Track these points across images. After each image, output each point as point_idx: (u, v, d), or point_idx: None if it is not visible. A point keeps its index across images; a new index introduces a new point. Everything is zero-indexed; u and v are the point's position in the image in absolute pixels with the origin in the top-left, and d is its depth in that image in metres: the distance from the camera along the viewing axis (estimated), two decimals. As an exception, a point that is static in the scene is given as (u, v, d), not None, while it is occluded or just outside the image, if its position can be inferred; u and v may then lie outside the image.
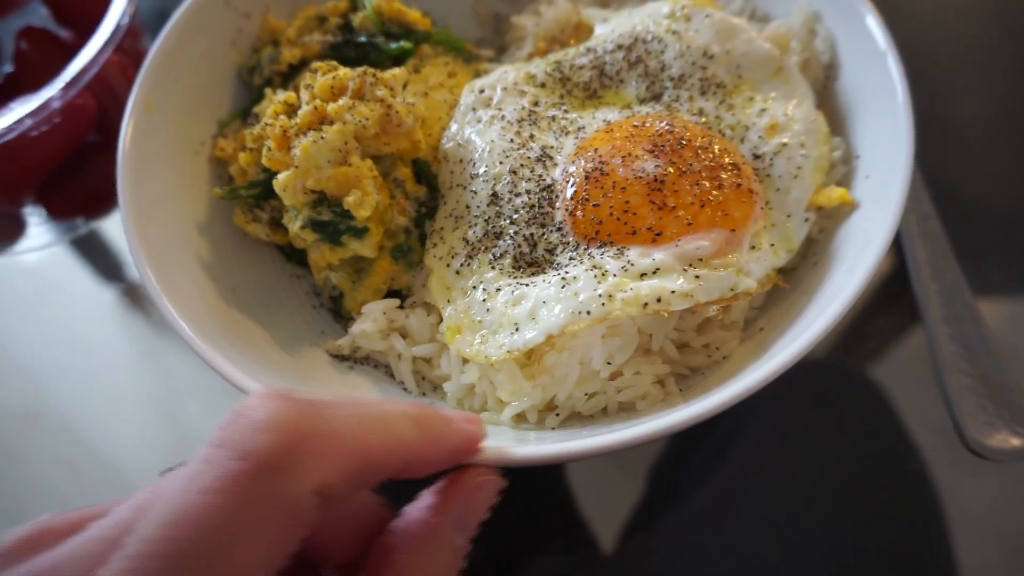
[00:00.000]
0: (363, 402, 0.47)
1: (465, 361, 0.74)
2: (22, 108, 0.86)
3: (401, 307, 0.79)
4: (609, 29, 0.88)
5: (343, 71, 0.80)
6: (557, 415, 0.71)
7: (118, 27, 0.92)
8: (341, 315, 0.84)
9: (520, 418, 0.71)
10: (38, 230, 1.06)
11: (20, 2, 1.09)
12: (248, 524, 0.39)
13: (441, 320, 0.77)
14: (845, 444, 0.85)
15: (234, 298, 0.80)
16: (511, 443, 0.64)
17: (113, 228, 1.10)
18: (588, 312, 0.65)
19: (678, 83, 0.81)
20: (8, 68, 1.02)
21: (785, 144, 0.76)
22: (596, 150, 0.74)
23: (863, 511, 0.81)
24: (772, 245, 0.73)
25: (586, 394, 0.70)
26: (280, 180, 0.75)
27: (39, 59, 0.99)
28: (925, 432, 0.84)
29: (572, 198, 0.72)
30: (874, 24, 0.78)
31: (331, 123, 0.76)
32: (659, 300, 0.65)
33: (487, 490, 0.52)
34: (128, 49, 1.01)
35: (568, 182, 0.74)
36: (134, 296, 1.07)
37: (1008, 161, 1.04)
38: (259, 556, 0.39)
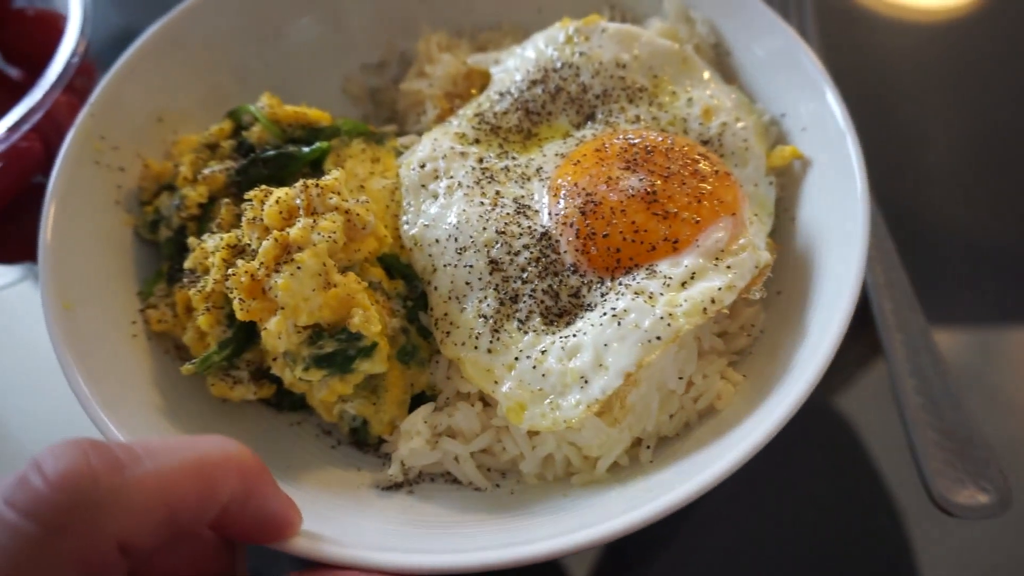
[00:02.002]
0: (180, 447, 0.47)
1: (533, 433, 0.70)
2: None
3: (436, 409, 0.74)
4: (511, 68, 0.88)
5: (283, 192, 0.73)
6: (648, 448, 0.69)
7: (68, 66, 0.84)
8: (368, 444, 0.77)
9: (614, 466, 0.69)
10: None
11: None
12: None
13: (484, 406, 0.73)
14: (810, 495, 0.83)
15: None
16: (623, 506, 0.62)
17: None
18: (658, 337, 0.64)
19: (604, 99, 0.83)
20: None
21: (725, 123, 0.81)
22: (576, 184, 0.74)
23: (829, 567, 0.80)
24: (756, 215, 0.77)
25: (669, 416, 0.69)
26: (271, 329, 0.67)
27: None
28: (892, 486, 0.83)
29: (579, 237, 0.71)
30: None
31: (299, 249, 0.69)
32: (713, 301, 0.66)
33: None
34: (80, 88, 0.91)
35: (566, 223, 0.73)
36: None
37: (970, 193, 1.06)
38: None
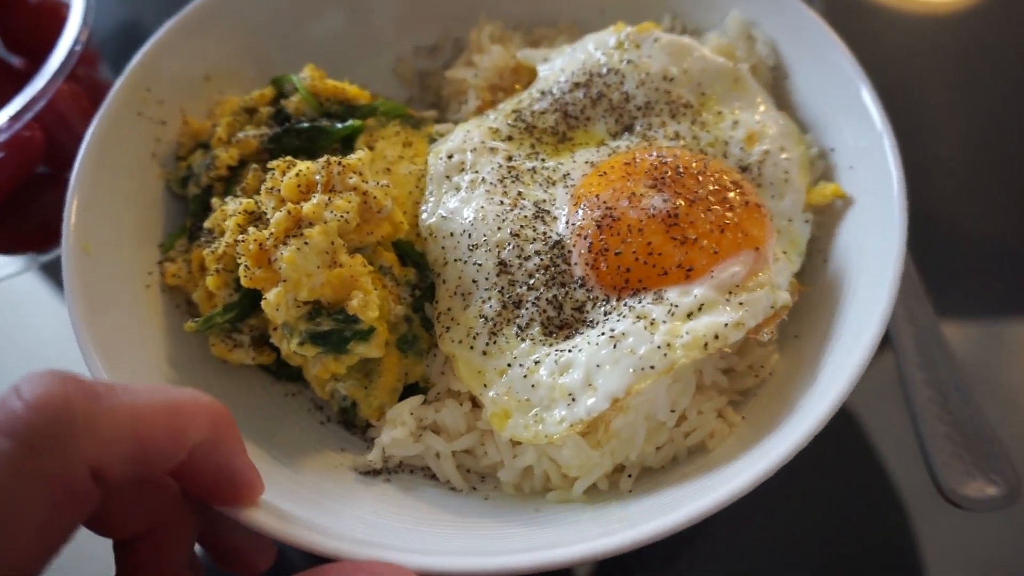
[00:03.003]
0: (154, 388, 0.49)
1: (516, 443, 0.69)
2: None
3: (425, 402, 0.73)
4: (557, 68, 0.86)
5: (305, 165, 0.73)
6: (629, 476, 0.67)
7: (69, 55, 0.86)
8: (355, 425, 0.77)
9: (591, 489, 0.67)
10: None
11: None
12: (15, 504, 0.40)
13: (473, 406, 0.72)
14: (818, 488, 0.82)
15: (246, 432, 0.70)
16: (596, 531, 0.61)
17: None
18: (652, 367, 0.62)
19: (646, 111, 0.81)
20: None
21: (768, 151, 0.77)
22: (597, 196, 0.72)
23: (837, 559, 0.79)
24: (784, 252, 0.73)
25: (656, 448, 0.67)
26: (271, 300, 0.67)
27: None
28: (900, 479, 0.82)
29: (591, 251, 0.69)
30: (815, 20, 0.81)
31: (310, 225, 0.69)
32: (716, 337, 0.63)
33: None
34: (82, 77, 0.95)
35: (580, 235, 0.71)
36: None
37: (978, 188, 1.06)
38: (29, 535, 0.41)
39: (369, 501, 0.69)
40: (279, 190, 0.71)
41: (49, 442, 0.42)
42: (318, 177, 0.72)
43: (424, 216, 0.78)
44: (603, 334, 0.65)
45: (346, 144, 0.83)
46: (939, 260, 0.92)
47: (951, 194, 1.05)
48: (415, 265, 0.78)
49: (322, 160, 0.73)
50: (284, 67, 0.92)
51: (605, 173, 0.74)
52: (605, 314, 0.68)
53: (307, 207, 0.70)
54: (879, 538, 0.80)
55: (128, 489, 0.50)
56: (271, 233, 0.69)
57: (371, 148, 0.83)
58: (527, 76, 0.92)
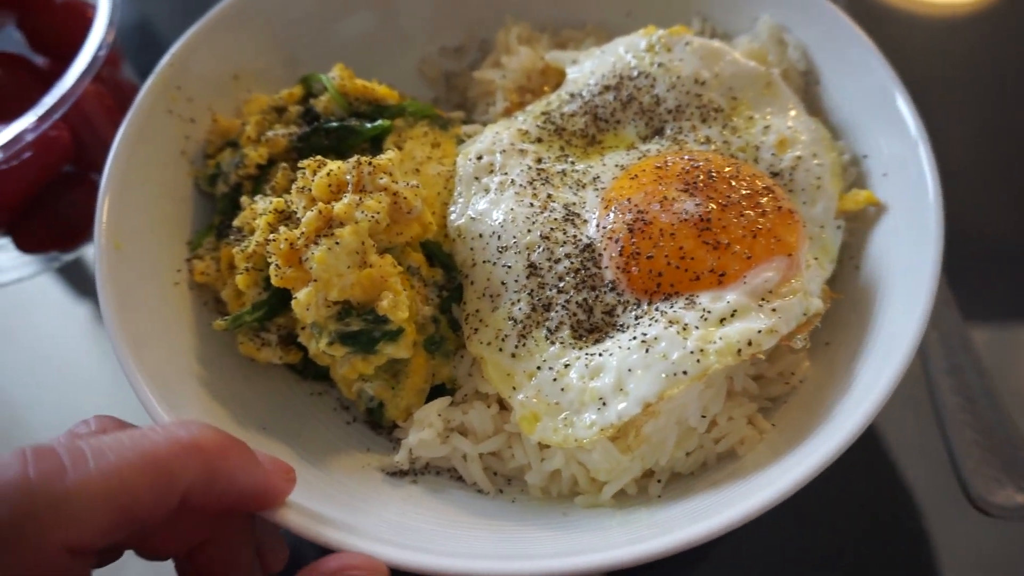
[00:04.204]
0: (132, 442, 0.46)
1: (543, 446, 0.69)
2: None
3: (452, 403, 0.73)
4: (587, 71, 0.86)
5: (336, 165, 0.73)
6: (659, 481, 0.67)
7: (96, 56, 0.86)
8: (381, 425, 0.77)
9: (620, 493, 0.67)
10: (7, 263, 1.00)
11: None
12: None
13: (501, 409, 0.72)
14: (844, 494, 0.81)
15: (265, 435, 0.71)
16: (625, 537, 0.61)
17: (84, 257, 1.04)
18: (685, 372, 0.61)
19: (677, 115, 0.80)
20: None
21: (800, 157, 0.76)
22: (628, 199, 0.72)
23: (863, 566, 0.78)
24: (816, 259, 0.73)
25: (686, 453, 0.66)
26: (301, 299, 0.67)
27: (12, 86, 0.95)
28: (928, 486, 0.81)
29: (622, 254, 0.69)
30: (849, 26, 0.80)
31: (341, 225, 0.69)
32: (750, 344, 0.62)
33: None
34: (107, 78, 0.96)
35: (611, 238, 0.70)
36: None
37: (1004, 190, 1.05)
38: None
39: (396, 502, 0.69)
40: (310, 189, 0.71)
41: (14, 535, 0.41)
42: (348, 177, 0.72)
43: (453, 217, 0.78)
44: (635, 338, 0.65)
45: (374, 144, 0.83)
46: (965, 264, 0.89)
47: (977, 197, 1.04)
48: (442, 266, 0.78)
49: (353, 160, 0.73)
50: (311, 66, 0.93)
51: (636, 176, 0.74)
52: (636, 318, 0.67)
53: (338, 207, 0.69)
54: (906, 545, 0.79)
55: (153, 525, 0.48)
56: (302, 232, 0.69)
57: (399, 148, 0.83)
58: (555, 78, 0.92)
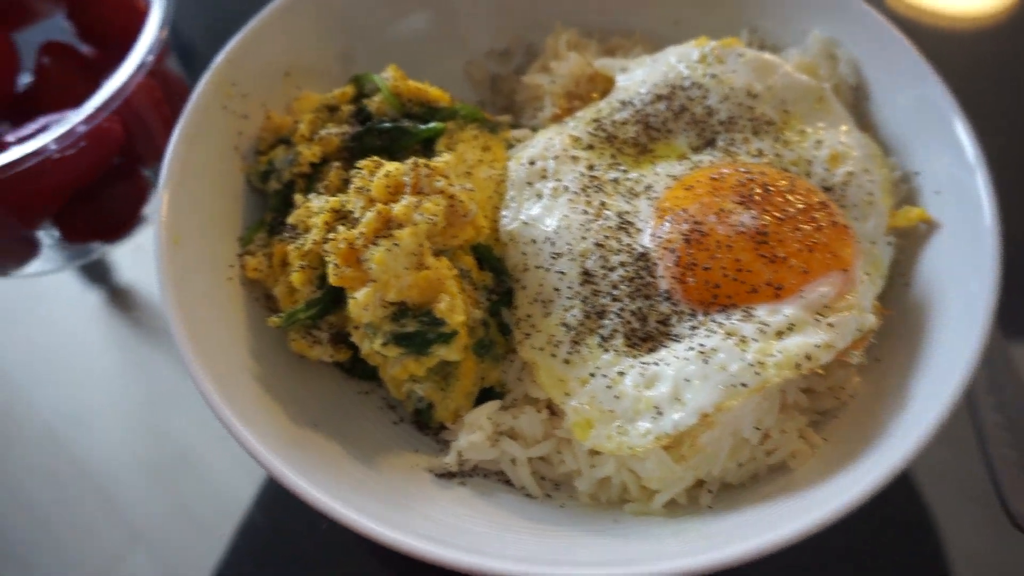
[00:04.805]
0: None
1: (594, 452, 0.69)
2: (48, 134, 0.81)
3: (502, 407, 0.74)
4: (637, 79, 0.86)
5: (394, 166, 0.73)
6: (710, 492, 0.67)
7: (151, 51, 0.87)
8: (428, 426, 0.77)
9: (670, 502, 0.67)
10: (49, 253, 1.00)
11: (43, 13, 1.02)
12: None
13: (551, 414, 0.72)
14: (883, 513, 0.79)
15: (317, 432, 0.71)
16: (677, 548, 0.61)
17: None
18: (744, 384, 0.62)
19: (728, 126, 0.81)
20: (29, 80, 0.99)
21: (852, 172, 0.77)
22: (684, 210, 0.72)
23: None
24: (867, 275, 0.73)
25: (738, 464, 0.67)
26: (360, 299, 0.68)
27: (60, 75, 0.97)
28: (967, 504, 0.81)
29: (678, 265, 0.69)
30: (903, 43, 0.80)
31: (399, 226, 0.70)
32: (808, 358, 0.63)
33: None
34: (154, 70, 0.96)
35: (667, 248, 0.71)
36: (119, 305, 1.04)
37: None
38: None
39: (444, 502, 0.70)
40: (368, 190, 0.72)
41: None
42: (406, 179, 0.72)
43: (505, 221, 0.79)
44: (691, 349, 0.66)
45: (425, 145, 0.83)
46: (1005, 281, 0.91)
47: (1015, 212, 1.03)
48: (492, 269, 0.78)
49: (410, 162, 0.74)
50: (360, 65, 0.93)
51: (691, 187, 0.74)
52: (691, 329, 0.68)
53: (397, 208, 0.70)
54: (944, 563, 0.80)
55: None
56: (361, 233, 0.69)
57: (451, 151, 0.83)
58: (603, 85, 0.93)
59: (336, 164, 0.81)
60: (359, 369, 0.80)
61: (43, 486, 0.90)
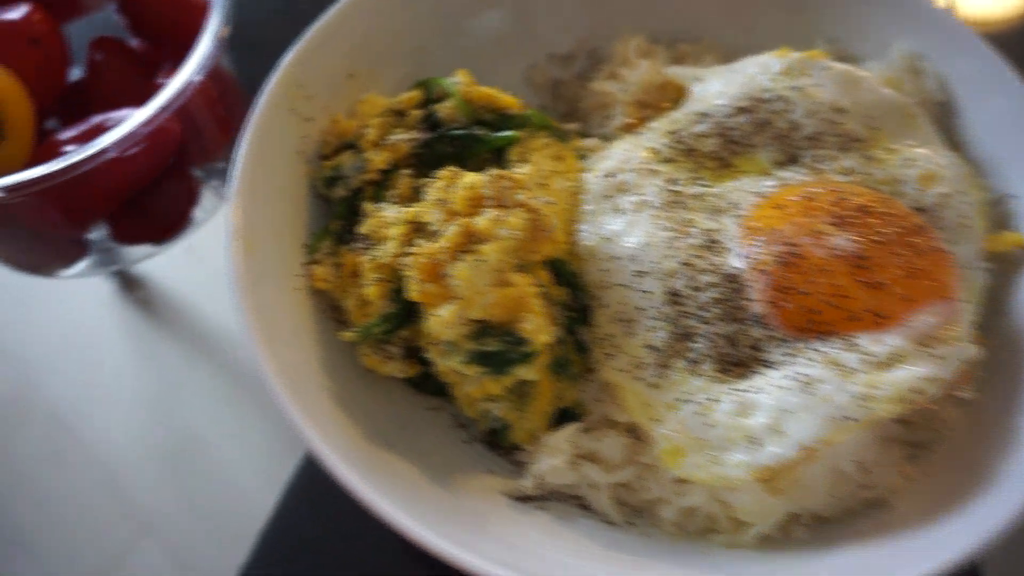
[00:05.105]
0: None
1: (680, 479, 0.67)
2: (110, 135, 0.77)
3: (581, 430, 0.71)
4: (714, 90, 0.83)
5: (474, 178, 0.71)
6: (804, 525, 0.65)
7: (212, 52, 0.83)
8: (501, 446, 0.75)
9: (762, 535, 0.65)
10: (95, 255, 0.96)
11: (93, 6, 0.99)
12: None
13: (634, 438, 0.70)
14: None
15: (390, 451, 0.69)
16: None
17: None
18: (852, 418, 0.59)
19: (814, 142, 0.78)
20: (79, 74, 0.96)
21: (947, 194, 0.74)
22: (776, 230, 0.69)
23: None
24: (966, 303, 0.70)
25: (833, 498, 0.65)
26: (444, 317, 0.65)
27: (112, 70, 0.94)
28: None
29: (772, 288, 0.67)
30: (995, 58, 0.78)
31: (481, 240, 0.67)
32: (916, 391, 0.60)
33: None
34: (211, 68, 0.92)
35: (760, 270, 0.68)
36: (129, 288, 1.02)
37: None
38: None
39: (523, 528, 0.67)
40: (448, 202, 0.69)
41: None
42: (486, 191, 0.70)
43: (583, 236, 0.76)
44: (790, 377, 0.63)
45: (497, 154, 0.81)
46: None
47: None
48: (569, 285, 0.75)
49: (492, 174, 0.71)
50: (423, 68, 0.90)
51: (782, 206, 0.72)
52: (787, 355, 0.65)
53: (481, 222, 0.67)
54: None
55: None
56: (443, 247, 0.67)
57: (526, 161, 0.80)
58: (673, 94, 0.90)
59: (406, 172, 0.79)
60: (428, 385, 0.77)
61: (52, 474, 0.88)
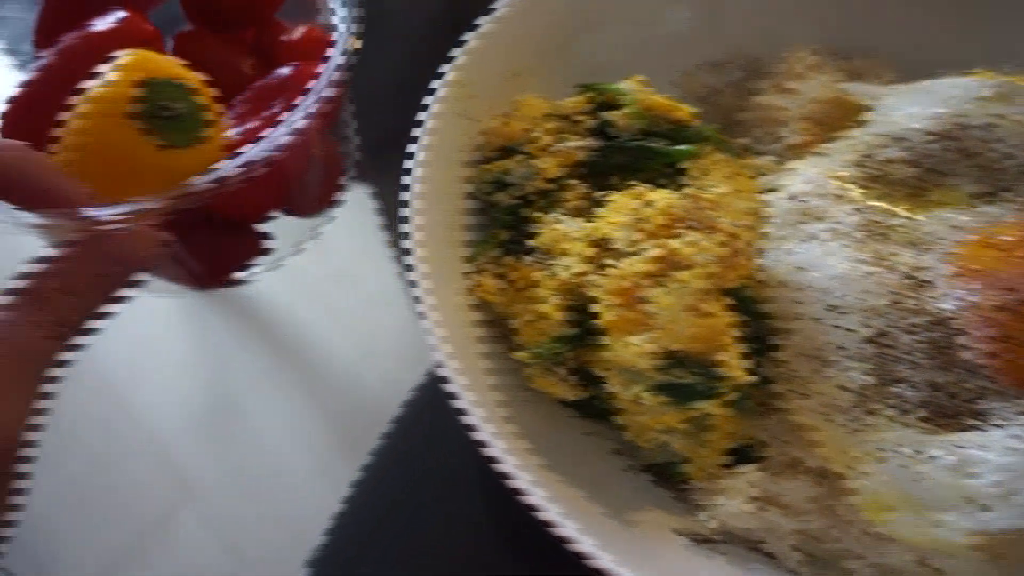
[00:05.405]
0: None
1: (877, 533, 0.62)
2: (299, 113, 0.66)
3: (765, 471, 0.67)
4: (902, 112, 0.78)
5: (666, 196, 0.66)
6: (1016, 594, 0.60)
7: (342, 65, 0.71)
8: (669, 480, 0.71)
9: (971, 603, 0.60)
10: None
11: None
12: None
13: (826, 483, 0.65)
14: None
15: (562, 478, 0.65)
16: None
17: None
18: (1102, 491, 0.55)
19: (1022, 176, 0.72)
20: None
21: None
22: (994, 273, 0.64)
23: None
24: None
25: (1054, 567, 0.60)
26: (638, 345, 0.61)
27: (219, 64, 0.79)
28: None
29: (995, 337, 0.62)
30: None
31: (679, 265, 0.63)
32: None
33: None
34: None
35: (978, 315, 0.63)
36: None
37: None
38: None
39: (700, 569, 0.63)
40: (642, 220, 0.65)
41: None
42: (684, 211, 0.65)
43: (768, 262, 0.71)
44: (1021, 438, 0.58)
45: (672, 169, 0.76)
46: None
47: None
48: (749, 314, 0.71)
49: (687, 192, 0.67)
50: (578, 69, 0.87)
51: (997, 246, 0.66)
52: (1010, 412, 0.60)
53: (681, 245, 0.63)
54: None
55: None
56: (641, 271, 0.63)
57: (703, 178, 0.76)
58: (847, 112, 0.84)
59: (576, 182, 0.75)
60: (589, 408, 0.73)
61: (100, 437, 0.88)
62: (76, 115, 0.53)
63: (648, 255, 0.63)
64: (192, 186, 0.56)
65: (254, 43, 0.87)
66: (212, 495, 0.85)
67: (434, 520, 0.79)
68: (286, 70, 0.73)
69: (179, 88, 0.54)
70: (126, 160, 0.53)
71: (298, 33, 0.85)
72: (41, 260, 0.49)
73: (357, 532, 0.80)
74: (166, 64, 0.54)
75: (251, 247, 0.76)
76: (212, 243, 0.81)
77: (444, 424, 0.81)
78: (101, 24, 0.66)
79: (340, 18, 0.73)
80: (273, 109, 0.70)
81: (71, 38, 0.66)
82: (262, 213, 0.81)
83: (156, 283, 0.81)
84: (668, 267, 0.63)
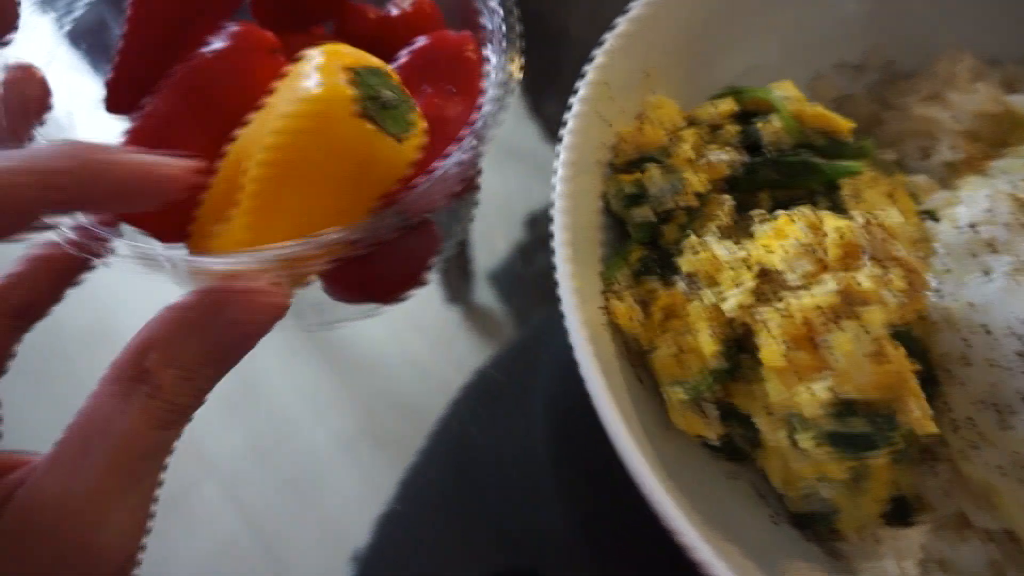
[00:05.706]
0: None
1: (1065, 611, 0.56)
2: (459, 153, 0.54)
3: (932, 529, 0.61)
4: (1083, 132, 0.70)
5: (840, 223, 0.60)
6: None
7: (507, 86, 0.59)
8: (816, 531, 0.65)
9: None
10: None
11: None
12: None
13: (1006, 547, 0.59)
14: None
15: (705, 521, 0.59)
16: None
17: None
18: None
19: None
20: None
21: None
22: None
23: None
24: None
25: None
26: (817, 394, 0.55)
27: None
28: None
29: None
30: None
31: (860, 303, 0.57)
32: None
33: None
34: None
35: None
36: None
37: None
38: None
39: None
40: (817, 250, 0.59)
41: None
42: (863, 242, 0.59)
43: (937, 296, 0.65)
44: None
45: (827, 188, 0.69)
46: None
47: None
48: (917, 356, 0.64)
49: (862, 221, 0.60)
50: (703, 69, 0.80)
51: None
52: None
53: (864, 281, 0.57)
54: None
55: None
56: (821, 308, 0.56)
57: (860, 198, 0.69)
58: (1012, 127, 0.77)
59: (722, 198, 0.68)
60: (728, 447, 0.68)
61: None
62: (283, 128, 0.46)
63: (827, 291, 0.56)
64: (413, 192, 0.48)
65: (335, 35, 0.79)
66: (231, 468, 0.82)
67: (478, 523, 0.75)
68: (420, 42, 0.63)
69: (383, 76, 0.48)
70: (361, 159, 0.46)
71: (407, 4, 0.77)
72: (143, 329, 0.40)
73: (402, 533, 0.77)
74: (358, 54, 0.48)
75: (434, 241, 0.69)
76: (401, 244, 0.69)
77: (489, 425, 0.80)
78: (220, 43, 0.57)
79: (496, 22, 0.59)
80: (426, 89, 0.61)
81: (193, 61, 0.57)
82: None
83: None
84: (847, 305, 0.56)
